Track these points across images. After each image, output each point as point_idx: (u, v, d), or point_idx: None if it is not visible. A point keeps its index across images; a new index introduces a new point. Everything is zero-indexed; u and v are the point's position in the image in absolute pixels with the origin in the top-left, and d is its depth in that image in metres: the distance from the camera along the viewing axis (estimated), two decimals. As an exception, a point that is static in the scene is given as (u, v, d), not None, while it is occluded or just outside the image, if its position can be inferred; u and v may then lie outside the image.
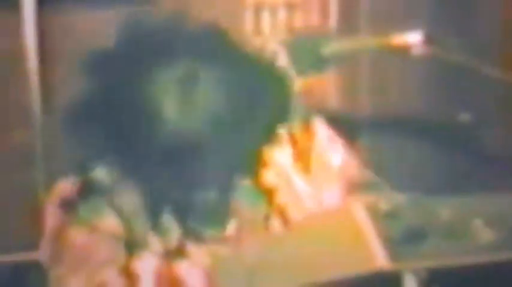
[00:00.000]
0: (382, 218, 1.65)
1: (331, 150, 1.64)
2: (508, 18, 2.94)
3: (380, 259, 1.47)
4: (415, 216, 2.45)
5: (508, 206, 2.49)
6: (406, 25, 1.60)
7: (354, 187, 1.63)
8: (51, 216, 1.53)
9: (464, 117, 2.77)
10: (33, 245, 1.59)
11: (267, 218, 1.56)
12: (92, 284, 1.48)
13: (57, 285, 1.50)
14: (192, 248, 1.51)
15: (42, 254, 1.54)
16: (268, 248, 1.49)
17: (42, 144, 2.33)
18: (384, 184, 1.62)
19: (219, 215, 1.54)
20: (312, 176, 1.61)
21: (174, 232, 1.51)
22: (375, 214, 1.59)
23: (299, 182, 1.58)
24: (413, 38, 1.55)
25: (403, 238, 1.97)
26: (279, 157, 1.59)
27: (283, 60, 1.64)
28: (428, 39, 1.55)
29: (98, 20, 1.61)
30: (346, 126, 1.70)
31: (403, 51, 1.55)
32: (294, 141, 1.61)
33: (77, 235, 1.50)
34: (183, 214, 1.53)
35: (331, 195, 1.61)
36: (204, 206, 1.54)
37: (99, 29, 1.60)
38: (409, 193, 2.50)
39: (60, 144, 1.56)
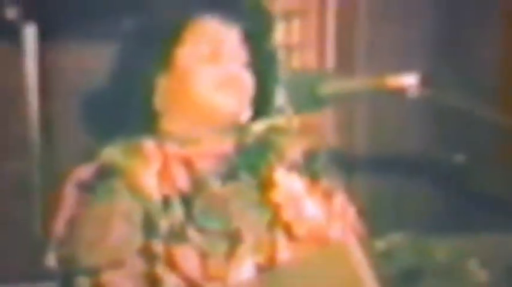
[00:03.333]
0: (378, 257, 1.66)
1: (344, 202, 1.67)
2: (505, 59, 2.97)
3: (376, 299, 1.47)
4: (410, 256, 2.45)
5: (503, 247, 2.49)
6: (402, 66, 1.62)
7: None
8: (68, 197, 1.54)
9: (460, 158, 2.78)
10: (32, 277, 1.59)
11: (270, 227, 1.58)
12: (109, 262, 1.49)
13: (69, 263, 1.51)
14: (192, 234, 1.53)
15: (55, 233, 1.54)
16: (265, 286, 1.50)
17: (41, 176, 2.34)
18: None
19: (222, 211, 1.57)
20: (327, 211, 1.64)
21: (178, 216, 1.53)
22: (371, 253, 1.60)
23: (310, 206, 1.60)
24: (408, 80, 1.56)
25: (399, 278, 1.97)
26: (289, 181, 1.61)
27: (281, 99, 1.67)
28: (424, 82, 1.56)
29: (99, 55, 1.64)
30: (343, 164, 1.72)
31: (399, 93, 1.56)
32: (315, 184, 1.65)
33: (94, 216, 1.51)
34: (188, 201, 1.55)
35: (340, 234, 1.63)
36: (207, 195, 1.56)
37: (100, 64, 1.63)
38: (405, 232, 2.50)
39: (58, 176, 1.58)
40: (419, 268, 2.44)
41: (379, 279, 1.49)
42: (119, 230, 1.50)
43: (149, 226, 1.51)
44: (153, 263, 1.50)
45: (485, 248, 2.45)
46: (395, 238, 2.49)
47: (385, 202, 2.80)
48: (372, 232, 1.69)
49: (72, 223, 1.53)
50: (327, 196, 1.64)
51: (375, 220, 1.71)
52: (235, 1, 1.61)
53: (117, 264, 1.48)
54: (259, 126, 1.65)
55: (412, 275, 2.40)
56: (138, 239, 1.50)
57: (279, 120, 1.68)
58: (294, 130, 1.71)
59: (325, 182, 1.65)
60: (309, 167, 1.65)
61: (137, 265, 1.49)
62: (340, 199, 1.65)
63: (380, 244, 2.43)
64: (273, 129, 1.67)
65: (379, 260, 1.66)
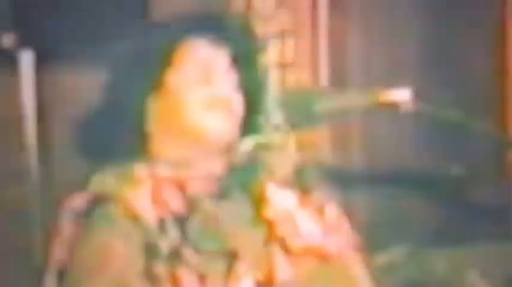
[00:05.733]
0: (379, 271, 1.66)
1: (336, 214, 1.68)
2: (497, 72, 2.98)
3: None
4: (411, 269, 2.46)
5: (502, 257, 2.50)
6: (395, 82, 1.63)
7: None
8: (65, 228, 1.54)
9: (456, 170, 2.79)
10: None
11: (266, 243, 1.59)
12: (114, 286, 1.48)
13: None
14: (189, 255, 1.53)
15: (54, 263, 1.54)
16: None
17: (40, 203, 2.34)
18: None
19: (217, 230, 1.57)
20: (321, 224, 1.65)
21: (174, 238, 1.53)
22: (371, 267, 1.61)
23: (304, 220, 1.61)
24: (401, 96, 1.57)
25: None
26: (282, 197, 1.62)
27: (276, 117, 1.68)
28: (417, 96, 1.57)
29: (97, 80, 1.66)
30: (339, 180, 1.73)
31: (393, 108, 1.57)
32: (306, 198, 1.66)
33: (94, 243, 1.51)
34: (182, 223, 1.55)
35: (336, 247, 1.63)
36: (201, 216, 1.57)
37: (98, 89, 1.65)
38: (405, 246, 2.51)
39: (57, 203, 1.59)
40: (420, 280, 2.45)
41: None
42: (120, 254, 1.50)
43: (149, 249, 1.52)
44: (157, 285, 1.50)
45: (485, 259, 2.46)
46: (396, 252, 2.50)
47: (384, 216, 2.80)
48: (372, 246, 1.70)
49: (72, 252, 1.53)
50: (319, 209, 1.65)
51: (374, 234, 1.72)
52: (224, 24, 1.63)
53: None
54: (247, 145, 1.66)
55: (413, 289, 2.41)
56: (140, 262, 1.50)
57: (267, 138, 1.69)
58: (287, 147, 1.73)
59: (316, 196, 1.66)
60: (299, 182, 1.66)
61: None
62: (332, 212, 1.66)
63: (380, 258, 2.43)
64: (261, 147, 1.68)
65: (380, 274, 1.67)
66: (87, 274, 1.50)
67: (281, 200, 1.61)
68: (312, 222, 1.61)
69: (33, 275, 2.03)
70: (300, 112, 1.61)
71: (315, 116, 1.61)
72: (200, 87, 1.58)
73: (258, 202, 1.61)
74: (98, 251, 1.51)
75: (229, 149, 1.62)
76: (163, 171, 1.59)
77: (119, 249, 1.51)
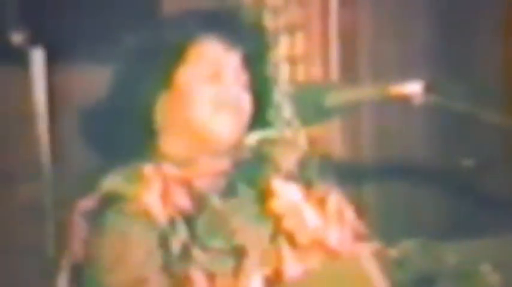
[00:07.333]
0: (390, 265, 1.67)
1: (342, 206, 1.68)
2: (508, 64, 2.98)
3: (390, 306, 1.48)
4: (423, 262, 2.46)
5: (515, 250, 2.49)
6: (405, 75, 1.63)
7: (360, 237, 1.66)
8: (77, 229, 1.55)
9: (468, 163, 2.79)
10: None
11: (273, 238, 1.59)
12: (133, 280, 1.49)
13: (93, 284, 1.51)
14: (197, 255, 1.53)
15: (68, 261, 1.55)
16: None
17: (52, 199, 2.35)
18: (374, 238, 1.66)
19: (224, 228, 1.58)
20: (323, 216, 1.65)
21: (183, 237, 1.54)
22: (383, 260, 1.61)
23: (310, 213, 1.61)
24: (413, 88, 1.57)
25: (413, 284, 1.97)
26: (287, 190, 1.63)
27: (287, 112, 1.68)
28: (428, 89, 1.57)
29: (107, 77, 1.66)
30: (351, 174, 1.73)
31: (404, 100, 1.57)
32: (309, 191, 1.66)
33: (109, 240, 1.52)
34: (191, 222, 1.56)
35: (339, 238, 1.63)
36: (209, 213, 1.57)
37: (107, 86, 1.65)
38: (417, 239, 2.51)
39: (70, 197, 1.60)
40: (432, 274, 2.45)
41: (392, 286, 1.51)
42: (138, 248, 1.51)
43: (164, 247, 1.52)
44: (175, 280, 1.51)
45: (497, 252, 2.45)
46: (408, 245, 2.50)
47: (396, 209, 2.81)
48: (383, 240, 1.70)
49: (88, 249, 1.53)
50: (323, 201, 1.65)
51: (385, 227, 1.72)
52: (236, 23, 1.63)
53: (141, 282, 1.49)
54: (252, 139, 1.67)
55: (425, 282, 2.41)
56: (158, 256, 1.51)
57: (276, 133, 1.70)
58: (297, 142, 1.73)
59: (319, 188, 1.66)
60: (303, 175, 1.66)
61: (161, 282, 1.50)
62: (335, 202, 1.66)
63: (392, 252, 2.43)
64: (266, 142, 1.69)
65: (392, 268, 1.67)
66: (107, 269, 1.50)
67: (287, 194, 1.61)
68: (316, 215, 1.61)
69: (46, 270, 2.04)
70: (311, 107, 1.61)
71: (325, 110, 1.61)
72: (209, 87, 1.58)
73: (265, 196, 1.62)
74: (116, 246, 1.51)
75: (236, 146, 1.62)
76: (171, 169, 1.59)
77: (137, 243, 1.51)
